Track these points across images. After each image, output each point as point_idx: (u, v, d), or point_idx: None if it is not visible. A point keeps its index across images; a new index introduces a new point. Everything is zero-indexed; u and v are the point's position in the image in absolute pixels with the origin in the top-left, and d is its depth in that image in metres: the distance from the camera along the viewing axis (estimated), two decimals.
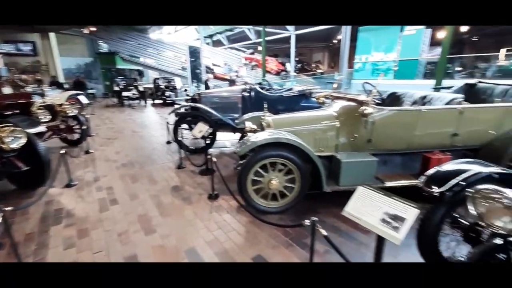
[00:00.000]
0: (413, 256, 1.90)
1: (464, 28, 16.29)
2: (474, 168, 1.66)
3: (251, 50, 19.32)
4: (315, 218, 1.70)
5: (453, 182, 1.62)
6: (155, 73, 16.94)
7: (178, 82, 12.63)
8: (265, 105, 3.17)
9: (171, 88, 12.00)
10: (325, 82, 16.95)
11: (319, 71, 20.40)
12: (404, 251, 2.18)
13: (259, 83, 5.85)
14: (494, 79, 11.63)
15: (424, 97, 3.32)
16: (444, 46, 8.00)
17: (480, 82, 3.87)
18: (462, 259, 1.77)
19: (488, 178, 1.59)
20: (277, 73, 18.95)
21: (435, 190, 1.66)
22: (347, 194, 2.50)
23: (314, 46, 26.74)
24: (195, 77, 11.76)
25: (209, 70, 14.88)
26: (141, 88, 12.58)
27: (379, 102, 3.61)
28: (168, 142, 5.70)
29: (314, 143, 2.94)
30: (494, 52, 14.07)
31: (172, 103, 10.33)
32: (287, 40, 18.50)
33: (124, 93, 12.14)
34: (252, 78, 15.64)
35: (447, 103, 2.92)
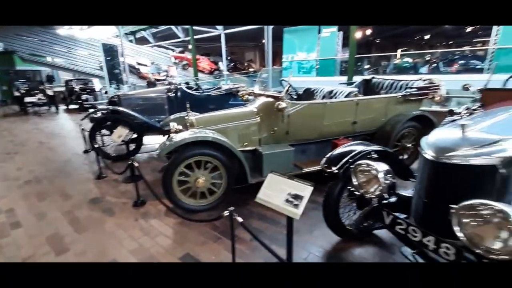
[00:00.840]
0: (325, 229, 2.20)
1: (368, 31, 18.99)
2: (359, 148, 2.01)
3: (180, 49, 18.61)
4: (231, 208, 1.80)
5: (343, 161, 1.93)
6: (69, 74, 14.81)
7: (96, 84, 11.30)
8: (188, 105, 3.15)
9: (89, 90, 10.67)
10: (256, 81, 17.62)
11: (251, 69, 21.00)
12: (318, 227, 2.48)
13: (186, 83, 5.74)
14: (391, 74, 14.04)
15: (331, 92, 3.81)
16: (351, 47, 9.21)
17: (373, 77, 4.62)
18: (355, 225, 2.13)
19: (369, 155, 1.94)
20: (210, 72, 18.79)
21: (331, 169, 1.96)
22: None
23: (245, 45, 27.40)
24: (114, 77, 10.73)
25: (133, 70, 13.78)
26: (49, 92, 10.83)
27: (295, 97, 3.97)
28: (86, 151, 5.12)
29: (238, 139, 3.07)
30: (393, 52, 16.96)
31: (91, 107, 9.29)
32: (218, 38, 18.49)
33: (27, 99, 10.27)
34: (185, 78, 15.15)
35: (346, 96, 3.42)
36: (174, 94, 4.81)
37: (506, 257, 1.07)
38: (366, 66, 17.47)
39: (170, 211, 2.67)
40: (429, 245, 1.44)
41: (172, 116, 3.93)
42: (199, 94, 5.05)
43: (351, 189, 1.92)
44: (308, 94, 4.25)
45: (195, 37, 15.32)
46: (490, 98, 2.25)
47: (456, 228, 1.21)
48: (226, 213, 1.80)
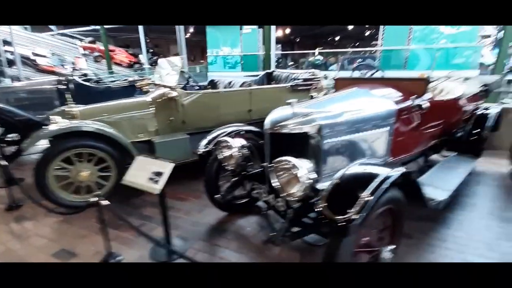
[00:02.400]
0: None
1: (288, 30, 20.43)
2: (229, 129, 2.26)
3: (91, 38, 16.53)
4: (98, 192, 1.81)
5: (214, 141, 2.14)
6: None
7: None
8: (68, 96, 2.91)
9: None
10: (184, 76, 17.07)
11: None
12: (209, 206, 2.65)
13: (84, 74, 5.23)
14: (308, 70, 15.57)
15: (230, 82, 4.05)
16: (266, 44, 9.82)
17: (274, 71, 5.08)
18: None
19: (237, 134, 2.19)
20: (130, 66, 17.32)
21: (203, 150, 2.15)
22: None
23: (171, 38, 26.06)
24: None
25: (29, 61, 11.68)
26: None
27: (197, 88, 4.09)
28: None
29: (132, 130, 3.02)
30: (312, 50, 18.73)
31: None
32: (137, 29, 17.06)
33: None
34: (97, 72, 13.57)
35: (241, 86, 3.71)
36: (65, 87, 4.34)
37: (299, 198, 1.41)
38: (290, 63, 18.95)
39: (49, 211, 2.47)
40: (272, 201, 1.75)
41: (58, 110, 3.55)
42: (97, 86, 4.68)
43: (222, 164, 2.13)
44: (213, 85, 4.42)
45: (109, 26, 13.84)
46: (340, 85, 2.78)
47: (273, 180, 1.52)
48: (93, 199, 1.79)
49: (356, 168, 1.43)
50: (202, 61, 22.09)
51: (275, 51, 16.19)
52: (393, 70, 10.77)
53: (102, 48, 15.88)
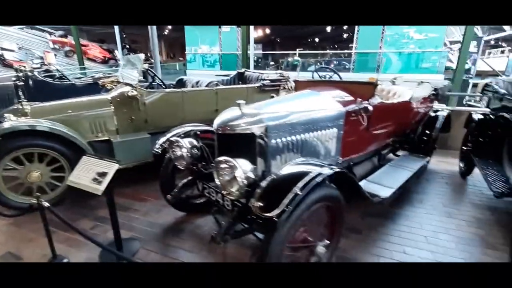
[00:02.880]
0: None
1: (268, 30, 20.57)
2: (184, 129, 2.27)
3: (61, 32, 15.75)
4: (38, 194, 1.75)
5: (162, 141, 2.16)
6: None
7: None
8: (20, 93, 2.79)
9: None
10: (165, 73, 16.72)
11: (152, 60, 19.67)
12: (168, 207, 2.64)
13: (46, 70, 5.00)
14: (286, 70, 15.83)
15: (198, 82, 4.04)
16: (242, 44, 9.82)
17: (246, 71, 5.12)
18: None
19: (190, 134, 2.21)
20: (104, 61, 16.70)
21: (157, 150, 2.16)
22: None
23: (148, 34, 25.43)
24: None
25: None
26: None
27: (164, 87, 4.04)
28: None
29: (90, 129, 2.94)
30: (293, 51, 19.03)
31: None
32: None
33: None
34: (68, 67, 12.97)
35: (206, 86, 3.71)
36: (23, 83, 4.12)
37: (237, 197, 1.46)
38: (272, 63, 19.13)
39: None
40: (220, 200, 1.78)
41: (12, 107, 3.38)
42: (59, 83, 4.49)
43: (175, 163, 2.12)
44: (181, 84, 4.38)
45: None
46: (299, 87, 2.87)
47: (216, 179, 1.55)
48: (33, 201, 1.73)
49: (290, 167, 1.50)
50: (181, 58, 21.72)
51: (256, 50, 16.37)
52: (367, 73, 11.27)
53: (74, 42, 15.20)
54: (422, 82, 3.66)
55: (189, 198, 2.40)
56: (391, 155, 3.29)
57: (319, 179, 1.39)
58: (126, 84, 3.18)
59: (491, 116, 3.13)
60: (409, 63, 11.59)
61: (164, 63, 22.38)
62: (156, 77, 3.88)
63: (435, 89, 3.39)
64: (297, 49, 19.56)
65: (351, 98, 2.31)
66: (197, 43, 15.34)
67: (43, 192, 2.62)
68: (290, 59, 16.09)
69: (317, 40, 26.16)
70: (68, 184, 1.78)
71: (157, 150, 2.21)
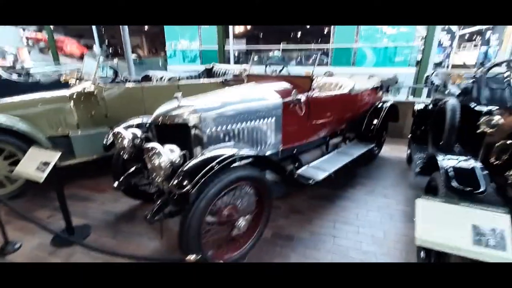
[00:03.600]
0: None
1: (248, 26, 20.56)
2: (133, 121, 2.42)
3: (35, 27, 15.26)
4: None
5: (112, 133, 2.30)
6: None
7: None
8: None
9: None
10: (144, 68, 16.53)
11: (132, 55, 19.34)
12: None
13: (10, 67, 4.96)
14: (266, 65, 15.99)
15: (162, 77, 4.15)
16: (219, 39, 9.88)
17: (214, 65, 5.25)
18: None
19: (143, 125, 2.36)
20: (82, 57, 16.31)
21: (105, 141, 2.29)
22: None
23: (130, 29, 24.88)
24: None
25: None
26: None
27: (129, 81, 4.13)
28: None
29: (49, 124, 3.02)
30: (277, 45, 19.14)
31: None
32: None
33: None
34: (44, 63, 12.62)
35: (168, 80, 3.84)
36: None
37: (162, 180, 1.64)
38: (256, 57, 19.18)
39: None
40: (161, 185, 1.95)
41: None
42: (23, 81, 4.49)
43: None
44: (147, 79, 4.47)
45: None
46: (250, 80, 3.04)
47: (148, 164, 1.72)
48: None
49: (212, 150, 1.68)
50: (163, 53, 21.44)
51: (240, 45, 16.38)
52: (343, 67, 11.61)
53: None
54: (372, 75, 3.92)
55: (138, 185, 2.56)
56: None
57: (234, 159, 1.59)
58: (85, 80, 3.27)
59: (429, 106, 3.43)
60: (382, 57, 11.99)
61: (146, 59, 22.05)
62: (118, 73, 3.96)
63: (381, 81, 3.66)
64: (282, 44, 19.73)
65: (289, 90, 2.50)
66: (177, 38, 15.25)
67: (1, 185, 2.71)
68: (270, 54, 16.19)
69: (299, 34, 26.34)
70: (14, 173, 1.90)
71: (105, 142, 2.36)
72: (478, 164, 1.54)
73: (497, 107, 1.88)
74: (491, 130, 1.84)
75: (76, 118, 3.17)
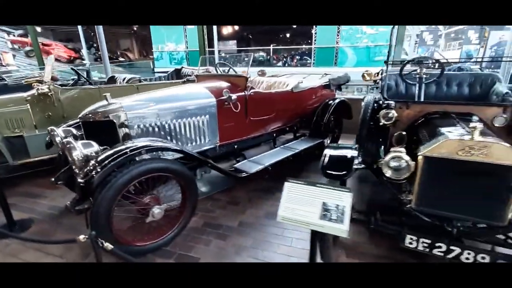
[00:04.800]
0: None
1: (236, 27, 20.75)
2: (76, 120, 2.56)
3: (21, 31, 15.31)
4: None
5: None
6: None
7: None
8: None
9: None
10: (135, 71, 16.62)
11: (121, 59, 19.47)
12: None
13: None
14: (252, 66, 16.18)
15: (124, 78, 4.30)
16: (199, 42, 10.04)
17: (183, 67, 5.40)
18: None
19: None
20: (70, 61, 16.39)
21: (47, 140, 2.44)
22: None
23: (120, 32, 24.98)
24: None
25: None
26: None
27: (90, 82, 4.27)
28: None
29: (7, 125, 3.16)
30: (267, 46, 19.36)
31: None
32: None
33: None
34: (30, 68, 12.70)
35: (127, 81, 3.99)
36: None
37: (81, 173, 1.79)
38: (246, 58, 19.39)
39: None
40: None
41: None
42: None
43: None
44: (113, 80, 4.62)
45: None
46: (199, 80, 3.20)
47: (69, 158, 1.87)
48: None
49: (123, 145, 1.83)
50: (152, 56, 21.58)
51: (231, 46, 16.51)
52: (326, 67, 11.81)
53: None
54: (325, 74, 4.10)
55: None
56: None
57: (137, 152, 1.75)
58: (41, 82, 3.41)
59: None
60: (363, 57, 12.23)
61: (136, 61, 22.12)
62: (80, 75, 4.11)
63: (329, 80, 3.83)
64: (271, 45, 19.99)
65: (228, 88, 2.64)
66: (163, 41, 15.38)
67: None
68: (256, 54, 16.40)
69: (288, 35, 26.60)
70: None
71: (47, 140, 2.50)
72: (352, 153, 1.73)
73: (394, 102, 2.05)
74: (388, 123, 2.02)
75: (33, 119, 3.30)
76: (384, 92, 2.31)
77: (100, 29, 7.49)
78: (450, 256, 1.51)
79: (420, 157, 1.50)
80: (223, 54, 17.45)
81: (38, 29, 19.01)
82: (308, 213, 1.31)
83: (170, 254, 2.01)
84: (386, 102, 2.09)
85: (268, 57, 15.74)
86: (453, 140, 1.41)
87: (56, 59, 16.47)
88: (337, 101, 3.75)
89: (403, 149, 1.57)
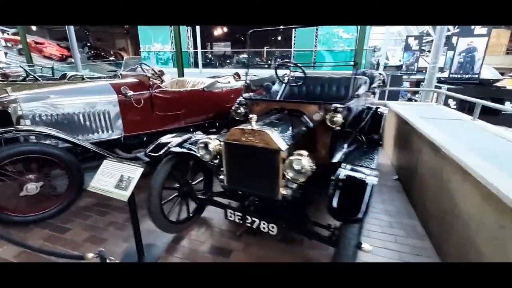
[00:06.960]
0: None
1: (225, 29, 21.15)
2: None
3: (14, 30, 15.84)
4: None
5: None
6: None
7: None
8: None
9: None
10: (131, 70, 17.03)
11: (111, 58, 19.95)
12: None
13: None
14: (236, 67, 16.63)
15: (71, 76, 4.68)
16: (176, 44, 10.38)
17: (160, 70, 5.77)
18: None
19: None
20: (62, 59, 16.90)
21: None
22: None
23: (115, 32, 25.52)
24: None
25: None
26: None
27: (37, 78, 4.65)
28: None
29: None
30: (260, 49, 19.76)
31: None
32: None
33: None
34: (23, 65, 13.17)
35: (69, 78, 4.36)
36: None
37: None
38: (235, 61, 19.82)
39: None
40: None
41: None
42: None
43: None
44: (63, 78, 5.00)
45: None
46: (123, 78, 3.57)
47: None
48: None
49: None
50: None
51: (226, 48, 16.84)
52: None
53: (29, 40, 15.35)
54: (255, 76, 4.44)
55: None
56: None
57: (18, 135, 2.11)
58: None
59: None
60: (340, 60, 12.53)
61: (129, 60, 22.63)
62: (28, 73, 4.49)
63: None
64: (265, 47, 20.38)
65: (124, 85, 2.97)
66: (150, 41, 15.83)
67: None
68: (240, 56, 16.81)
69: (279, 38, 26.95)
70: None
71: None
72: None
73: (247, 100, 2.42)
74: (238, 118, 2.38)
75: None
76: (242, 92, 2.66)
77: (71, 29, 7.90)
78: (254, 226, 1.85)
79: (222, 143, 1.83)
80: (209, 56, 17.91)
81: (34, 28, 19.63)
82: (108, 183, 1.65)
83: (47, 224, 2.38)
84: (240, 100, 2.44)
85: (254, 59, 16.07)
86: (237, 129, 1.74)
87: (48, 57, 17.01)
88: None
89: (213, 136, 1.91)
